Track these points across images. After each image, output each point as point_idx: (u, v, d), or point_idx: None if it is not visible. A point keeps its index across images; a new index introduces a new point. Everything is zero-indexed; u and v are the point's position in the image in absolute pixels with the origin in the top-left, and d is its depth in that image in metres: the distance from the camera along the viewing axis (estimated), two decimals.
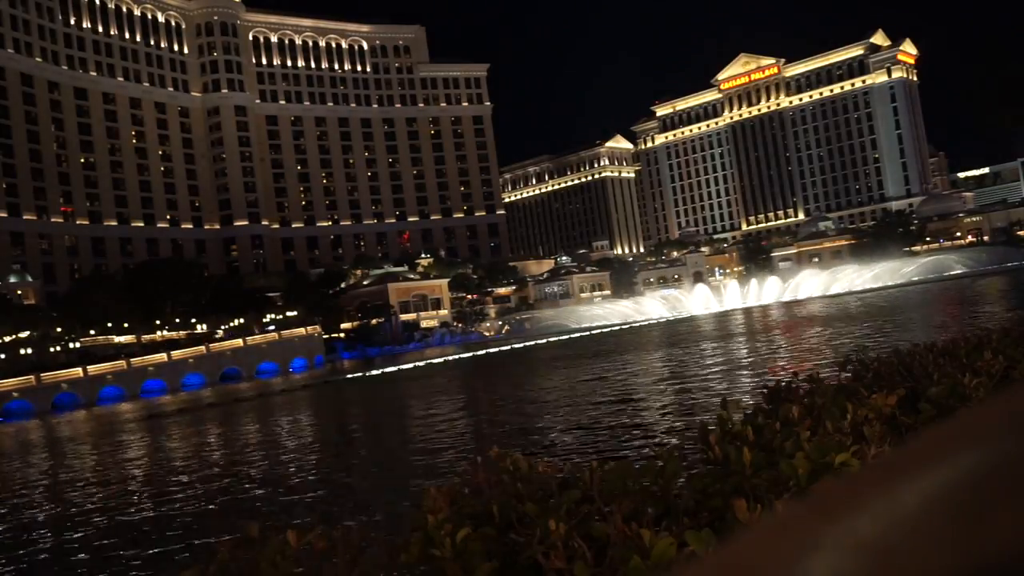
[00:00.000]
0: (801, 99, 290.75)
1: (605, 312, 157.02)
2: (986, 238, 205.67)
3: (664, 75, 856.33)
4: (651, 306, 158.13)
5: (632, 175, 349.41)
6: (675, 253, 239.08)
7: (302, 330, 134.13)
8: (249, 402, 70.91)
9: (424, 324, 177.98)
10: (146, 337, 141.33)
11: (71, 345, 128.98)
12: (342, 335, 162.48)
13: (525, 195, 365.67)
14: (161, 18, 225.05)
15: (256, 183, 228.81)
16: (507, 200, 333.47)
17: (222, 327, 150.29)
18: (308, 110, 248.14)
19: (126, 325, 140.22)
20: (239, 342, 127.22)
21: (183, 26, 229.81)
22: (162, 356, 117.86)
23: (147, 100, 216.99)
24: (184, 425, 55.92)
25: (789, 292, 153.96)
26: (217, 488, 27.10)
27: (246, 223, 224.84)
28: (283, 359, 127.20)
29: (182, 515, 23.31)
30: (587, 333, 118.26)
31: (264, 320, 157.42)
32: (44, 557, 20.83)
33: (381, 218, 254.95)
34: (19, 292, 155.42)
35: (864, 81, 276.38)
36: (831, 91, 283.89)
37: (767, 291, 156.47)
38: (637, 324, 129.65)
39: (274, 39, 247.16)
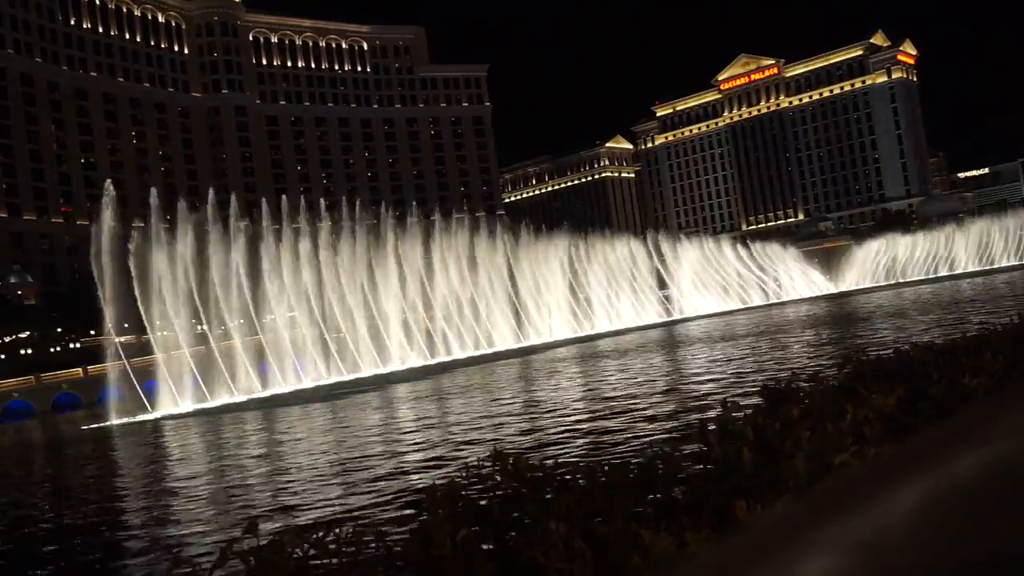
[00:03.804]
0: (801, 99, 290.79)
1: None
2: None
3: (664, 75, 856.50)
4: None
5: (632, 175, 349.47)
6: None
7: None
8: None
9: None
10: (146, 337, 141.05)
11: (71, 345, 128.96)
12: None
13: (525, 195, 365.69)
14: (161, 18, 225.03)
15: (256, 183, 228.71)
16: (507, 200, 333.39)
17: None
18: (308, 110, 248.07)
19: (126, 325, 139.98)
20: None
21: (183, 26, 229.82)
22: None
23: (147, 100, 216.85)
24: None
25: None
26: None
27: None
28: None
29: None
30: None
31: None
32: None
33: None
34: (19, 292, 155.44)
35: (864, 81, 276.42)
36: (831, 91, 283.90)
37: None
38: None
39: (274, 39, 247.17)
